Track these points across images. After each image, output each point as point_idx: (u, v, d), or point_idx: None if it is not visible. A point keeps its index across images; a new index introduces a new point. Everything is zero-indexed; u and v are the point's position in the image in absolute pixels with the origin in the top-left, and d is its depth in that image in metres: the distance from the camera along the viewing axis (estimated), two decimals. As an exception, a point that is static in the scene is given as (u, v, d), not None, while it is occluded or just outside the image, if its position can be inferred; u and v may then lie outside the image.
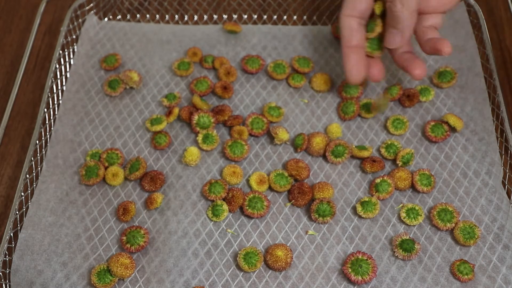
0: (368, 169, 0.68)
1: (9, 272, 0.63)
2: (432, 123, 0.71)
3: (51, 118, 0.75)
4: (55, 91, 0.77)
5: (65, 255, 0.64)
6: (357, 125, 0.73)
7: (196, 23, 0.85)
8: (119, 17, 0.85)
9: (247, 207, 0.66)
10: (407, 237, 0.63)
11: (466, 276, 0.61)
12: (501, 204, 0.66)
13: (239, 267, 0.63)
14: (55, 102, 0.76)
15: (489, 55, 0.76)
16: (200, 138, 0.71)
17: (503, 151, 0.70)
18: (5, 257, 0.64)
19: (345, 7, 0.67)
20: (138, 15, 0.86)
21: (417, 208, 0.66)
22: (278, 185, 0.67)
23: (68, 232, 0.66)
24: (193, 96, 0.74)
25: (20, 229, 0.66)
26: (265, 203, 0.66)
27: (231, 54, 0.80)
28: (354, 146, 0.70)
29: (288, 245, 0.64)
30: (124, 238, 0.64)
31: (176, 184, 0.69)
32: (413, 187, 0.68)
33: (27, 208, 0.68)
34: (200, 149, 0.71)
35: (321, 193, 0.67)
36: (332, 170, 0.70)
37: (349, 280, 0.62)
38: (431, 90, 0.75)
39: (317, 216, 0.65)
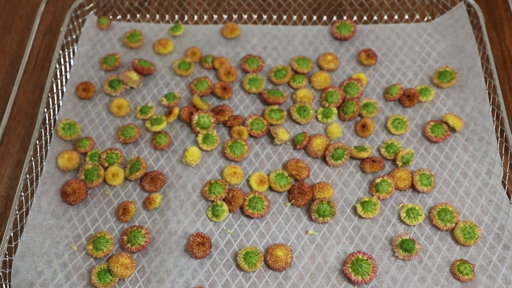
0: (367, 169, 0.68)
1: (9, 272, 0.63)
2: (432, 123, 0.71)
3: (51, 118, 0.75)
4: (55, 91, 0.77)
5: (65, 256, 0.64)
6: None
7: (196, 23, 0.85)
8: (119, 17, 0.85)
9: (247, 207, 0.66)
10: (407, 237, 0.63)
11: (466, 276, 0.61)
12: (501, 204, 0.66)
13: (239, 267, 0.63)
14: (55, 102, 0.76)
15: (489, 55, 0.76)
16: (200, 138, 0.71)
17: (503, 151, 0.70)
18: (5, 257, 0.64)
19: None
20: (138, 15, 0.86)
21: (417, 208, 0.66)
22: (278, 185, 0.67)
23: (68, 233, 0.66)
24: (193, 96, 0.74)
25: (20, 229, 0.66)
26: (265, 203, 0.66)
27: (231, 54, 0.80)
28: (353, 148, 0.70)
29: (288, 245, 0.64)
30: (125, 237, 0.64)
31: (176, 184, 0.69)
32: (413, 187, 0.68)
33: (27, 208, 0.68)
34: (200, 149, 0.71)
35: (321, 193, 0.67)
36: (332, 170, 0.70)
37: (349, 280, 0.62)
38: (431, 90, 0.74)
39: (317, 216, 0.65)
